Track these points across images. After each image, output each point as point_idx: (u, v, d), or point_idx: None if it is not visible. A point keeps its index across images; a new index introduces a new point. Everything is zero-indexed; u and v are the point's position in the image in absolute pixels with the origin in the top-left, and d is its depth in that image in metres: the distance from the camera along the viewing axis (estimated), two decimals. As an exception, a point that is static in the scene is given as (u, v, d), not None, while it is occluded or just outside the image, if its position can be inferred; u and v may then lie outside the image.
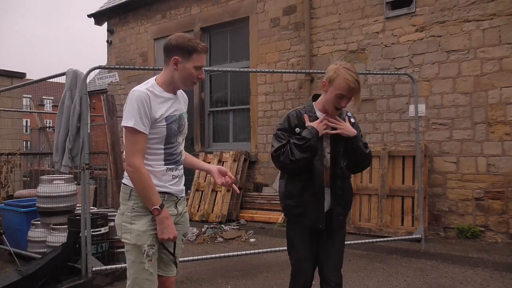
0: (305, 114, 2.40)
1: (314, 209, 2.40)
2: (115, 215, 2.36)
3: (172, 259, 2.31)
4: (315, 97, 2.52)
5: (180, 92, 2.34)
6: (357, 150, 2.42)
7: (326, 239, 2.48)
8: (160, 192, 2.17)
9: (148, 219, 2.15)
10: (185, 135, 2.33)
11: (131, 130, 2.08)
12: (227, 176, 2.37)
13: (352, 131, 2.39)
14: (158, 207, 2.09)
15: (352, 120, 2.49)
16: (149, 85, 2.17)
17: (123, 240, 2.19)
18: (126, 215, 2.17)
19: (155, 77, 2.24)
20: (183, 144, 2.33)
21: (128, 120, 2.07)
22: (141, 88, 2.13)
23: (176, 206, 2.27)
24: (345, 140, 2.41)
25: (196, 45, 2.15)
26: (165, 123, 2.15)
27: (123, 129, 2.13)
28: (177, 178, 2.26)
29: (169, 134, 2.17)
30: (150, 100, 2.09)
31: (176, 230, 2.27)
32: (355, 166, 2.53)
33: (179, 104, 2.28)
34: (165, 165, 2.20)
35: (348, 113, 2.50)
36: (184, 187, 2.34)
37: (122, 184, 2.22)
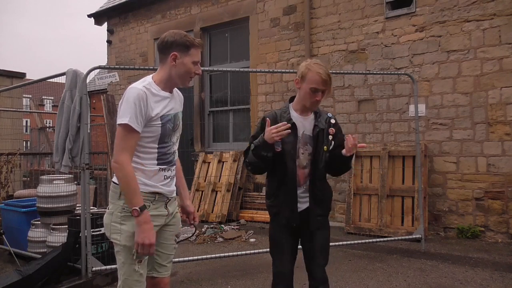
0: (267, 118, 2.36)
1: (288, 209, 2.47)
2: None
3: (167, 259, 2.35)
4: (292, 99, 2.55)
5: (176, 91, 2.33)
6: (345, 164, 2.49)
7: (308, 238, 2.51)
8: (151, 192, 2.15)
9: None
10: (179, 135, 2.31)
11: (125, 127, 2.05)
12: (189, 222, 2.41)
13: (351, 151, 2.37)
14: (138, 209, 2.01)
15: (333, 121, 2.50)
16: (146, 83, 2.15)
17: (112, 240, 2.16)
18: (116, 215, 2.13)
19: (151, 75, 2.23)
20: (177, 144, 2.32)
21: (124, 117, 2.05)
22: (138, 86, 2.11)
23: (167, 207, 2.25)
24: (334, 149, 2.46)
25: (192, 40, 2.17)
26: (160, 122, 2.13)
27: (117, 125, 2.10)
28: (169, 179, 2.25)
29: (163, 133, 2.16)
30: (147, 98, 2.08)
31: (167, 231, 2.29)
32: (335, 172, 2.60)
33: (175, 103, 2.27)
34: (157, 165, 2.18)
35: (328, 114, 2.52)
36: (175, 188, 2.33)
37: (112, 183, 2.20)
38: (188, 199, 2.46)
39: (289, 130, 2.29)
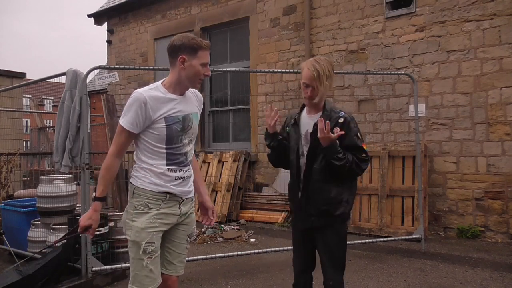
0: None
1: (295, 207, 2.54)
2: (115, 215, 2.38)
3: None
4: None
5: (193, 93, 2.38)
6: (330, 161, 2.34)
7: (317, 239, 2.48)
8: (161, 192, 2.21)
9: (148, 216, 2.19)
10: (193, 136, 2.34)
11: (121, 126, 2.20)
12: (207, 217, 2.49)
13: (325, 141, 2.28)
14: (94, 196, 2.24)
15: (341, 120, 2.37)
16: (153, 87, 2.24)
17: (126, 236, 2.26)
18: (129, 213, 2.24)
19: (163, 79, 2.30)
20: (191, 146, 2.34)
21: (122, 118, 2.19)
22: (141, 90, 2.20)
23: (180, 207, 2.29)
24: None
25: (200, 42, 2.20)
26: (164, 124, 2.18)
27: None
28: (181, 179, 2.28)
29: (170, 135, 2.20)
30: (147, 102, 2.15)
31: (180, 230, 2.34)
32: (334, 174, 2.39)
33: (186, 105, 2.29)
34: (166, 165, 2.22)
35: (340, 113, 2.41)
36: (192, 189, 2.36)
37: (129, 183, 2.30)
38: (206, 195, 2.54)
39: (276, 115, 2.44)
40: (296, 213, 2.53)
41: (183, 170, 2.28)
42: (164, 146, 2.21)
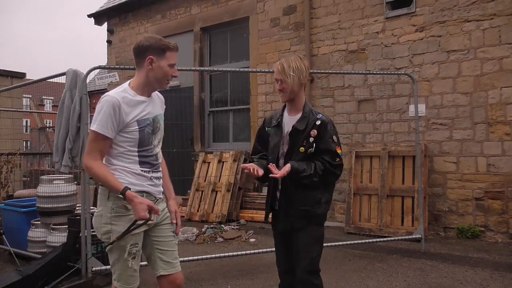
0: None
1: (268, 205, 2.59)
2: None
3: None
4: None
5: (155, 94, 2.38)
6: (298, 182, 2.36)
7: (294, 239, 2.48)
8: (138, 191, 2.20)
9: (129, 219, 2.18)
10: (160, 137, 2.35)
11: (93, 133, 2.15)
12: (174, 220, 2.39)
13: (280, 174, 2.30)
14: (120, 194, 2.10)
15: (318, 122, 2.38)
16: (122, 89, 2.21)
17: (103, 240, 2.24)
18: (106, 216, 2.20)
19: (128, 81, 2.28)
20: (160, 147, 2.35)
21: (94, 123, 2.14)
22: (112, 93, 2.18)
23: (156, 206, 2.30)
24: (318, 153, 2.38)
25: (168, 43, 2.22)
26: (137, 127, 2.19)
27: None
28: (156, 180, 2.31)
29: (142, 137, 2.21)
30: (120, 105, 2.13)
31: (163, 229, 2.34)
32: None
33: (153, 106, 2.30)
34: (140, 168, 2.23)
35: (319, 115, 2.42)
36: (162, 189, 2.38)
37: (99, 186, 2.26)
38: (172, 198, 2.45)
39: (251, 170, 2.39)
40: (277, 214, 2.53)
41: (154, 171, 2.30)
42: (137, 149, 2.22)
